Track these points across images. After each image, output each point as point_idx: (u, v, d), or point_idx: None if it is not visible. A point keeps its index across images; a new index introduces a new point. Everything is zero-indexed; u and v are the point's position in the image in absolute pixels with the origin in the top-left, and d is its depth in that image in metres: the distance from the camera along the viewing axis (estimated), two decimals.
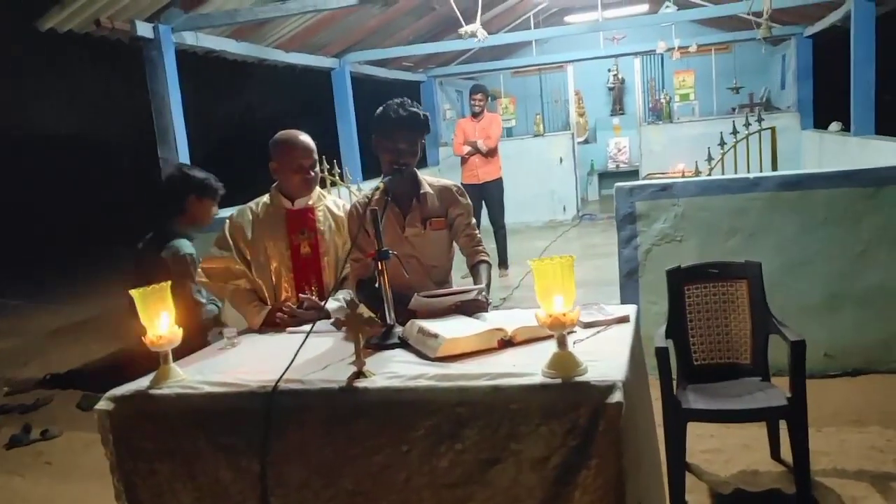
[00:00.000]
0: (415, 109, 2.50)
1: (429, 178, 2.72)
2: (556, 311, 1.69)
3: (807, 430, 2.80)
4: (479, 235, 2.70)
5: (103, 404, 1.97)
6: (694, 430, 2.95)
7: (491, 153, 7.29)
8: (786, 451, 3.14)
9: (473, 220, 2.70)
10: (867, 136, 6.50)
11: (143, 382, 2.03)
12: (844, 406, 3.65)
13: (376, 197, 2.41)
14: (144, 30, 4.88)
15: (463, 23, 4.52)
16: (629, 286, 4.24)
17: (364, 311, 2.02)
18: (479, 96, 7.42)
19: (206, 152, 6.31)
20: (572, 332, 1.81)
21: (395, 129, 2.49)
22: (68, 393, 5.22)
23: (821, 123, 9.14)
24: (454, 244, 2.73)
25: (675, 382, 2.98)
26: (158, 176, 5.10)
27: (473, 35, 4.48)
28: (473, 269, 2.64)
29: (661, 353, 2.85)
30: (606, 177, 12.64)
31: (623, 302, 4.11)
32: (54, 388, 5.35)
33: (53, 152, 13.01)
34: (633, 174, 10.97)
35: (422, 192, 2.64)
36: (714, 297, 3.23)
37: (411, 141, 2.51)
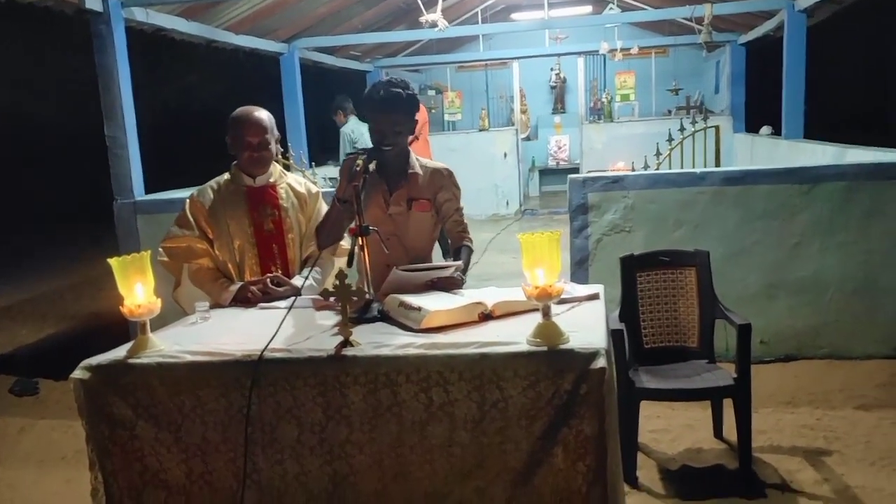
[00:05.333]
0: (397, 90, 2.50)
1: (422, 160, 2.72)
2: (542, 282, 1.77)
3: (751, 408, 2.98)
4: (465, 222, 2.72)
5: (78, 373, 1.94)
6: (642, 410, 3.09)
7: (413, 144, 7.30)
8: (727, 431, 3.33)
9: (462, 206, 2.72)
10: (797, 140, 6.88)
11: (119, 352, 2.00)
12: (778, 389, 3.88)
13: (357, 173, 2.41)
14: (93, 2, 4.72)
15: (424, 11, 4.55)
16: (579, 274, 4.38)
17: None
18: None
19: (150, 132, 6.14)
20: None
21: (377, 110, 2.51)
22: None
23: (751, 127, 9.60)
24: (438, 227, 2.75)
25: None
26: (105, 155, 4.96)
27: (434, 25, 4.52)
28: (455, 253, 2.68)
29: (617, 335, 2.97)
30: (547, 174, 12.90)
31: None
32: None
33: None
34: (574, 172, 11.21)
35: (410, 171, 2.65)
36: (664, 283, 3.39)
37: (394, 121, 2.52)
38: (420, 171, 2.68)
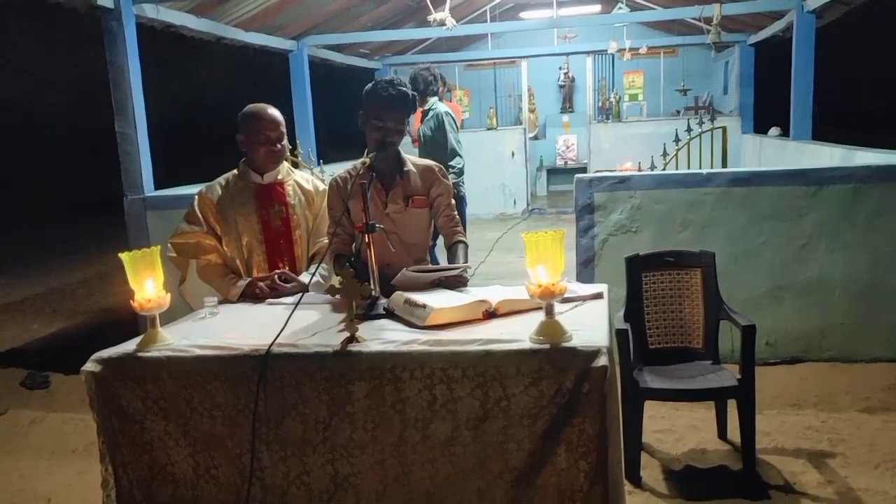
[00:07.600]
0: (404, 89, 2.56)
1: (412, 158, 2.77)
2: (546, 281, 1.79)
3: (754, 409, 2.98)
4: (457, 216, 2.77)
5: (90, 366, 1.97)
6: (646, 411, 3.10)
7: None
8: (731, 432, 3.33)
9: (453, 201, 2.77)
10: (805, 141, 6.86)
11: (129, 346, 2.03)
12: (784, 391, 3.88)
13: (361, 171, 2.46)
14: None
15: (432, 9, 4.57)
16: (585, 274, 4.39)
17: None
18: None
19: (160, 128, 6.19)
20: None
21: (383, 108, 2.54)
22: (9, 371, 5.06)
23: (760, 128, 9.57)
24: (433, 223, 2.79)
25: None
26: (115, 151, 4.99)
27: (442, 23, 4.54)
28: (451, 249, 2.71)
29: (622, 335, 2.98)
30: (555, 173, 12.90)
31: None
32: None
33: None
34: (581, 171, 11.20)
35: (405, 169, 2.69)
36: (669, 284, 3.39)
37: (399, 120, 2.57)
38: (413, 169, 2.71)
